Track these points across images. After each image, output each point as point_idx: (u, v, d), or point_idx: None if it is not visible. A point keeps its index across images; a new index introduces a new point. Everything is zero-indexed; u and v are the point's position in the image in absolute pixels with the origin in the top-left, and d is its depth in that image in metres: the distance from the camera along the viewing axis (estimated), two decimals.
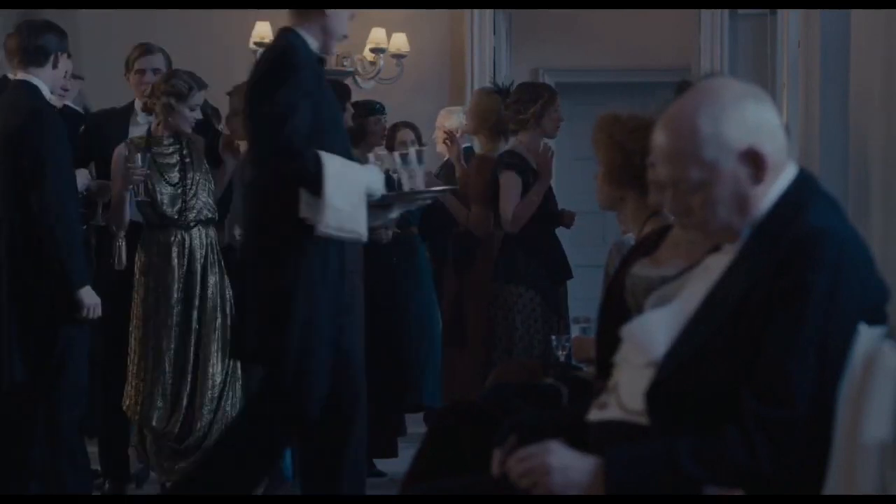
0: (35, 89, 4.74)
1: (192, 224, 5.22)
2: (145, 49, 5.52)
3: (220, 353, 5.13)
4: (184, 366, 5.13)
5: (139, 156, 5.08)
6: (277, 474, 5.27)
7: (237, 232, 5.23)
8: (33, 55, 4.75)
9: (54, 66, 4.76)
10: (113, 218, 5.29)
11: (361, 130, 6.23)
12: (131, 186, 5.11)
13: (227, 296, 5.19)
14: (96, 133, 5.60)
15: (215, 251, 5.25)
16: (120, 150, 5.25)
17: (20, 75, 4.78)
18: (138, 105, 5.49)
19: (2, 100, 4.94)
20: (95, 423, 5.55)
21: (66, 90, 5.49)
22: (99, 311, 4.73)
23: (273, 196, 4.17)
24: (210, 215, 5.27)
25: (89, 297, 4.70)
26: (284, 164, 4.09)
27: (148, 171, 5.11)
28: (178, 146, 5.27)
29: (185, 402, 5.11)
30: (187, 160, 5.27)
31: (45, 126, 4.68)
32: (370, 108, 6.33)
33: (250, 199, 4.39)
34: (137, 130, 5.43)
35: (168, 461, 5.17)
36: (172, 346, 5.14)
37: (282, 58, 4.17)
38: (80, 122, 5.80)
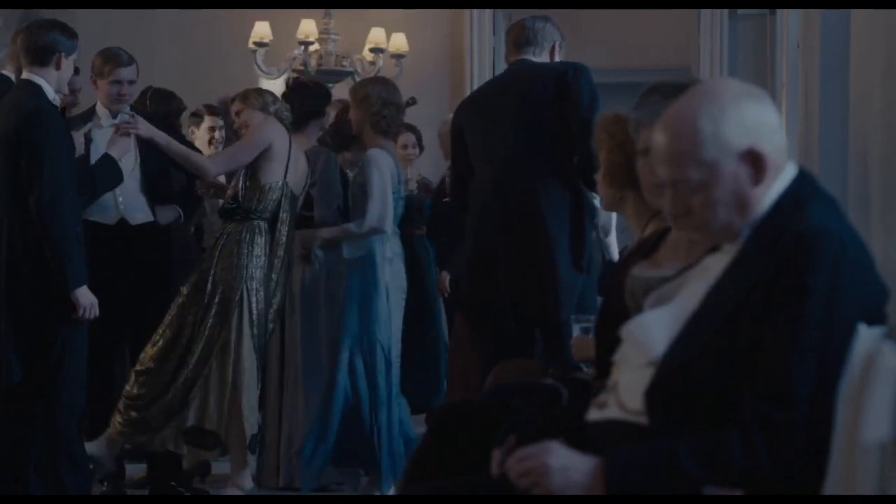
0: (38, 89, 4.73)
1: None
2: (122, 61, 5.39)
3: (202, 350, 5.28)
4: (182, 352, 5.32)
5: None
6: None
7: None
8: (38, 54, 4.74)
9: (57, 68, 4.73)
10: None
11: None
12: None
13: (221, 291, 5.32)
14: None
15: (223, 243, 5.38)
16: None
17: (25, 74, 4.78)
18: (101, 110, 5.45)
19: (5, 99, 4.94)
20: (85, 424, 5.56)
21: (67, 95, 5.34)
22: (96, 312, 4.72)
23: None
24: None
25: (85, 298, 4.69)
26: None
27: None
28: None
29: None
30: None
31: (44, 126, 4.66)
32: None
33: None
34: (101, 133, 5.39)
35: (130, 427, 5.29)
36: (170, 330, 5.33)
37: None
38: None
